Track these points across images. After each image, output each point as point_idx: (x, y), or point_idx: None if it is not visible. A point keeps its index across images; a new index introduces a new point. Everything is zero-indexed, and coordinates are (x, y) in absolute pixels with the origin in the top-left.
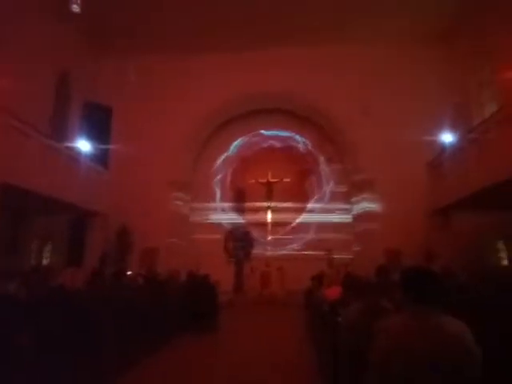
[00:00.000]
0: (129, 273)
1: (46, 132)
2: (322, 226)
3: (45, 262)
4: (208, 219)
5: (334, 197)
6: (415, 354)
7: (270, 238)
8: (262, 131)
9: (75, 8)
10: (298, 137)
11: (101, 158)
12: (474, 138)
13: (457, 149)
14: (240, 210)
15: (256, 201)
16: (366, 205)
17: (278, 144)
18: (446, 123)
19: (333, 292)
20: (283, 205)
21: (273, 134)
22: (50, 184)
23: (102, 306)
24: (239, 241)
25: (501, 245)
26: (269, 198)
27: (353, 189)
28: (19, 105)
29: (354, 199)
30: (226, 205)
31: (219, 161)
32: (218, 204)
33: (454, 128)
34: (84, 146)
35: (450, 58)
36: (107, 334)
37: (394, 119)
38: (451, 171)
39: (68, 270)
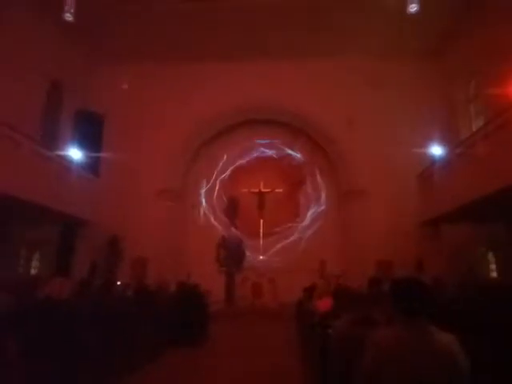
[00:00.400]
0: (118, 283)
1: (37, 140)
2: (315, 237)
3: (33, 271)
4: (199, 228)
5: (326, 207)
6: (407, 365)
7: (261, 248)
8: (255, 141)
9: (68, 16)
10: (290, 148)
11: (92, 166)
12: (461, 152)
13: (446, 162)
14: (232, 220)
15: (248, 211)
16: (358, 216)
17: (270, 154)
18: (435, 136)
19: (324, 304)
20: (275, 215)
21: (265, 145)
22: (40, 192)
23: (89, 318)
24: (231, 250)
25: (490, 256)
26: (261, 208)
27: (344, 200)
28: (9, 112)
29: (345, 210)
30: (218, 214)
31: (211, 170)
32: (210, 213)
33: (443, 141)
34: (75, 154)
35: (439, 72)
36: (93, 347)
37: (385, 131)
38: (441, 183)
39: (56, 279)
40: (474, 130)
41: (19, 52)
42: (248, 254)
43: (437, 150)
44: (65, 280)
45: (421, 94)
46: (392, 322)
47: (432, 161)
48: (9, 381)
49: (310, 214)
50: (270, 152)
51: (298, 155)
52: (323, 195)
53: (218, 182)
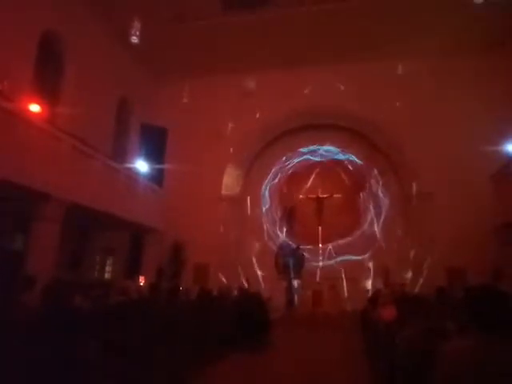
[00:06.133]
0: (181, 288)
1: (108, 153)
2: (377, 244)
3: (107, 275)
4: (259, 235)
5: (389, 212)
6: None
7: (321, 255)
8: (312, 146)
9: (134, 39)
10: (349, 152)
11: (156, 176)
12: None
13: None
14: (290, 227)
15: (306, 217)
16: (424, 220)
17: (328, 159)
18: (508, 132)
19: (388, 312)
20: (335, 221)
21: (323, 149)
22: (111, 202)
23: (159, 320)
24: (289, 257)
25: None
26: (319, 214)
27: (409, 203)
28: (85, 129)
29: (410, 214)
30: (277, 221)
31: (269, 176)
32: (268, 220)
33: None
34: (141, 166)
35: (507, 64)
36: (160, 348)
37: (451, 130)
38: None
39: (127, 283)
40: None
41: (91, 75)
42: (307, 261)
43: None
44: (135, 284)
45: (488, 89)
46: (465, 332)
47: (509, 159)
48: (89, 381)
49: (371, 219)
50: (327, 157)
51: (357, 159)
52: (386, 199)
53: (275, 189)
